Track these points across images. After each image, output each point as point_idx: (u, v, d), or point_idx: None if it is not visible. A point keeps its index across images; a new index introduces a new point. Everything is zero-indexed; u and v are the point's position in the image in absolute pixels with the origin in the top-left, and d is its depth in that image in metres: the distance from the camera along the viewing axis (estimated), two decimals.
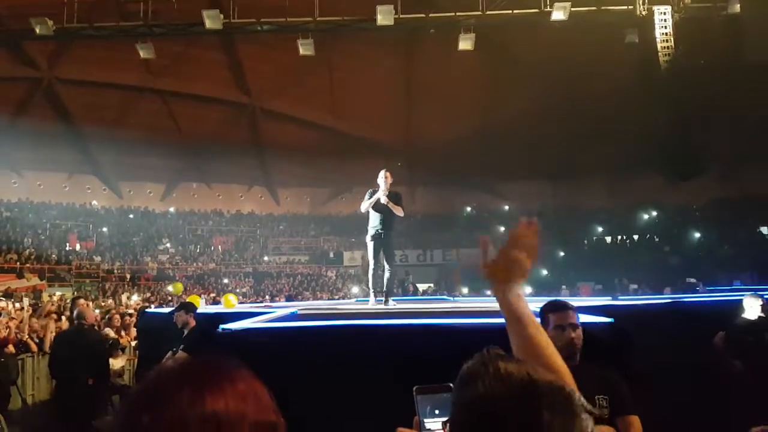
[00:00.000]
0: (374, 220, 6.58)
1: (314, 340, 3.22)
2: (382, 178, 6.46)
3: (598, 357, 2.58)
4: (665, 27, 13.46)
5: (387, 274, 6.57)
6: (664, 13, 13.53)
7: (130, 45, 14.60)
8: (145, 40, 14.29)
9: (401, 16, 13.98)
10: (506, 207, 27.51)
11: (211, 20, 13.57)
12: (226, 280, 23.64)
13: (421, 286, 22.36)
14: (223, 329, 3.34)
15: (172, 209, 28.28)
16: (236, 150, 24.95)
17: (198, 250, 26.52)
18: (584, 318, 2.73)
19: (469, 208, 28.58)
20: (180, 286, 16.47)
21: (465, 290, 18.85)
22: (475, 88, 22.16)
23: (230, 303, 7.01)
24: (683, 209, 24.20)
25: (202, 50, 21.29)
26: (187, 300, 7.54)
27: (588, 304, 4.64)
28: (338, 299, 17.69)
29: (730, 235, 20.68)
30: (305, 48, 14.23)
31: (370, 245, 6.57)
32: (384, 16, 13.70)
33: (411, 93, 23.80)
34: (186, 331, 5.08)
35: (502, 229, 27.26)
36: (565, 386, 0.77)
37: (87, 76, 21.61)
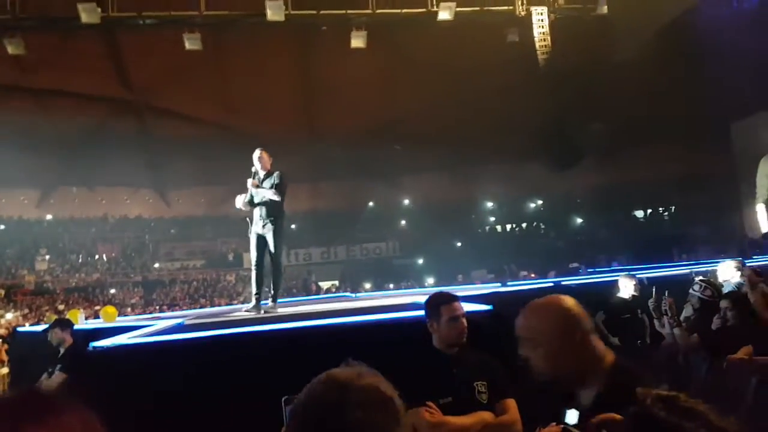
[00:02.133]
0: (253, 210, 5.83)
1: (189, 354, 3.08)
2: (256, 159, 5.80)
3: (478, 344, 2.72)
4: (542, 27, 14.31)
5: (273, 274, 5.88)
6: (541, 14, 14.38)
7: None
8: (13, 34, 13.02)
9: (292, 12, 13.80)
10: (406, 201, 28.09)
11: (87, 14, 12.62)
12: (113, 291, 22.21)
13: (325, 284, 22.31)
14: (94, 347, 3.10)
15: (49, 216, 26.09)
16: (120, 150, 23.39)
17: (80, 260, 24.69)
18: (467, 307, 2.84)
19: (371, 203, 28.90)
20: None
21: (368, 285, 19.07)
22: (372, 84, 22.36)
23: (110, 316, 6.59)
24: (566, 197, 25.94)
25: (80, 43, 19.73)
26: (66, 315, 7.00)
27: (472, 293, 4.85)
28: (238, 304, 17.21)
29: (607, 220, 22.45)
30: (192, 43, 13.65)
31: (252, 239, 5.84)
32: (274, 12, 13.45)
33: (308, 89, 23.58)
34: (62, 350, 4.72)
35: (403, 222, 27.89)
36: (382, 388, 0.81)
37: None
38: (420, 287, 15.58)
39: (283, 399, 1.06)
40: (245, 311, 5.78)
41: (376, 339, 3.07)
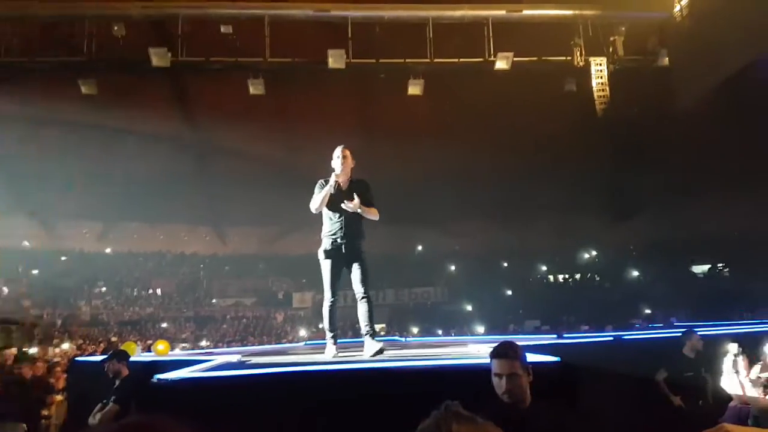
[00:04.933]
0: (330, 225, 4.55)
1: (260, 390, 3.09)
2: (338, 158, 4.55)
3: (548, 396, 2.65)
4: (601, 77, 14.27)
5: (362, 306, 4.52)
6: (600, 65, 14.37)
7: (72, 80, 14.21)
8: (88, 75, 13.93)
9: (352, 60, 14.27)
10: (456, 246, 27.91)
11: (158, 58, 13.44)
12: (165, 325, 22.71)
13: (377, 327, 22.18)
14: (158, 379, 3.15)
15: (108, 250, 27.13)
16: (180, 187, 24.35)
17: (135, 294, 25.46)
18: (533, 357, 2.79)
19: (420, 247, 28.83)
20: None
21: (415, 330, 18.85)
22: (427, 130, 22.70)
23: (162, 350, 6.70)
24: (621, 249, 25.21)
25: (149, 85, 20.92)
26: (121, 347, 7.16)
27: (536, 343, 4.76)
28: (284, 343, 17.30)
29: (664, 274, 21.62)
30: (255, 88, 14.27)
31: (326, 264, 4.51)
32: (335, 60, 13.95)
33: (366, 132, 24.12)
34: (118, 381, 4.81)
35: (453, 268, 27.64)
36: None
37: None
38: (473, 335, 15.27)
39: None
40: (332, 358, 4.48)
41: (452, 386, 3.02)
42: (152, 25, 14.89)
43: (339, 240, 4.50)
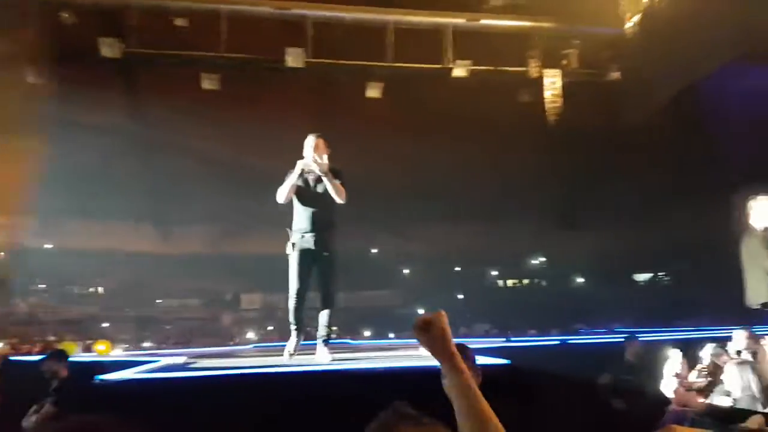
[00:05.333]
0: (299, 218, 4.37)
1: (207, 392, 2.99)
2: (310, 147, 4.41)
3: (497, 398, 2.65)
4: (554, 89, 14.66)
5: (325, 309, 4.45)
6: (554, 77, 14.76)
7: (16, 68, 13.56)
8: (32, 63, 13.31)
9: (312, 60, 14.17)
10: (410, 250, 28.10)
11: (108, 48, 13.04)
12: (106, 325, 21.94)
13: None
14: (100, 380, 3.02)
15: (49, 246, 26.00)
16: (126, 184, 23.51)
17: (76, 292, 24.51)
18: (484, 360, 2.79)
19: (374, 250, 28.86)
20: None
21: (367, 333, 18.83)
22: (383, 134, 22.72)
23: (102, 350, 6.47)
24: (568, 257, 25.90)
25: (97, 75, 20.16)
26: (60, 347, 6.86)
27: (485, 346, 4.81)
28: (232, 346, 16.97)
29: (608, 281, 22.36)
30: (209, 83, 13.99)
31: (294, 258, 4.33)
32: (294, 58, 13.82)
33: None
34: (56, 382, 4.61)
35: (406, 271, 27.80)
36: None
37: None
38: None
39: None
40: (289, 354, 4.31)
41: (403, 388, 2.99)
42: (103, 14, 14.36)
43: (309, 233, 4.32)
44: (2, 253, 24.59)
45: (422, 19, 14.61)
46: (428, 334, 1.36)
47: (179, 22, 13.27)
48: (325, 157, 4.36)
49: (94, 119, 22.44)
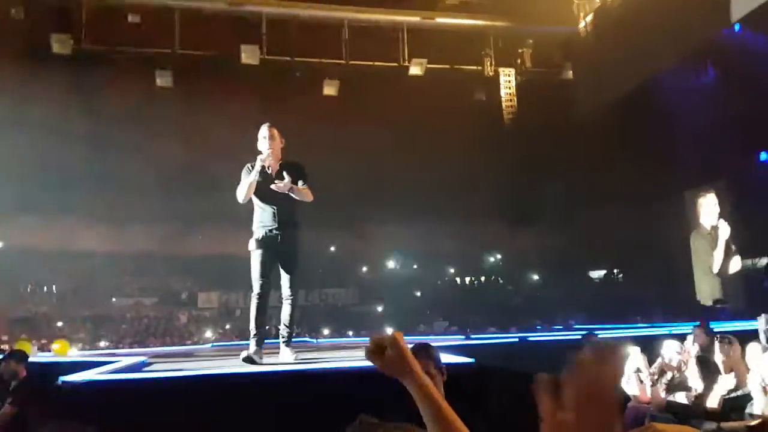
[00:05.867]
0: (262, 214, 4.18)
1: (174, 393, 2.95)
2: (265, 138, 4.21)
3: (461, 397, 2.69)
4: (509, 88, 14.93)
5: (287, 304, 4.25)
6: (509, 75, 15.03)
7: None
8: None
9: (267, 57, 13.99)
10: (367, 249, 28.12)
11: (59, 44, 12.62)
12: (60, 324, 21.23)
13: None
14: (63, 382, 2.95)
15: (0, 245, 24.97)
16: (78, 182, 22.76)
17: (29, 291, 23.62)
18: (449, 358, 2.83)
19: (332, 248, 28.74)
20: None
21: (326, 331, 18.76)
22: (339, 132, 22.64)
23: (59, 349, 6.31)
24: (523, 254, 26.40)
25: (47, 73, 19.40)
26: (16, 346, 6.65)
27: (446, 344, 4.86)
28: (190, 345, 16.66)
29: (563, 278, 22.90)
30: (163, 80, 13.64)
31: (256, 254, 4.12)
32: (248, 55, 13.62)
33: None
34: (14, 383, 4.51)
35: (364, 269, 27.83)
36: None
37: None
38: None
39: None
40: (243, 359, 3.93)
41: (368, 388, 3.00)
42: (55, 10, 13.81)
43: (273, 230, 4.12)
44: None
45: (378, 16, 14.63)
46: (384, 357, 1.20)
47: (132, 18, 12.87)
48: (287, 180, 4.06)
49: (44, 115, 21.57)
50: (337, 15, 14.38)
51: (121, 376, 3.24)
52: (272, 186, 4.03)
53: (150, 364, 4.60)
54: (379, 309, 24.95)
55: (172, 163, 24.49)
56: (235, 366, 3.77)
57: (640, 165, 14.65)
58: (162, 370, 3.94)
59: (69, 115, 21.85)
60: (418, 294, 23.96)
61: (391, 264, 26.13)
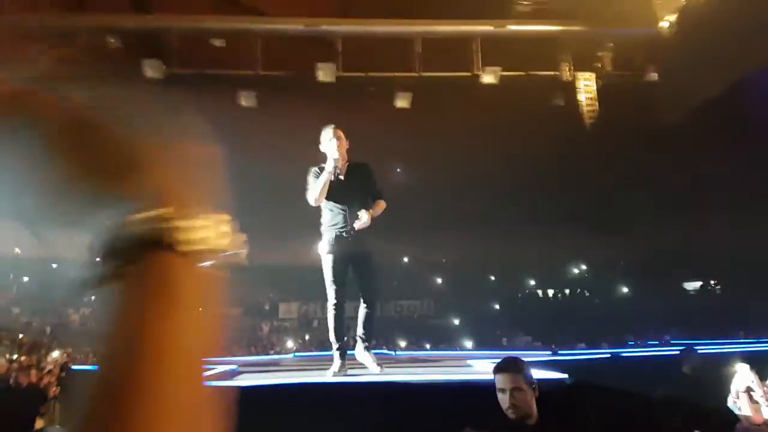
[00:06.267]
0: (331, 216, 4.04)
1: (268, 401, 3.03)
2: (332, 140, 4.04)
3: (556, 414, 2.61)
4: (589, 92, 14.44)
5: (364, 308, 4.07)
6: (588, 79, 14.55)
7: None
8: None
9: (342, 74, 14.31)
10: (443, 259, 27.89)
11: (152, 69, 13.40)
12: None
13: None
14: None
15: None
16: None
17: None
18: (541, 374, 2.75)
19: (405, 259, 28.75)
20: None
21: (403, 344, 18.75)
22: (411, 142, 22.74)
23: None
24: (609, 264, 25.30)
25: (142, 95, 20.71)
26: None
27: (532, 359, 4.71)
28: (273, 355, 17.12)
29: (654, 290, 21.67)
30: (247, 100, 14.26)
31: (328, 260, 3.98)
32: (325, 73, 13.98)
33: (349, 144, 24.02)
34: None
35: (439, 280, 27.63)
36: None
37: None
38: (463, 349, 15.17)
39: None
40: (333, 375, 3.82)
41: (459, 401, 2.97)
42: (145, 37, 14.83)
43: (343, 232, 3.95)
44: (54, 265, 25.42)
45: (451, 28, 14.58)
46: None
47: (216, 42, 13.60)
48: (366, 218, 3.92)
49: None
50: (410, 30, 14.51)
51: (218, 383, 3.34)
52: (355, 224, 3.93)
53: (240, 372, 4.75)
54: (456, 322, 24.63)
55: (256, 178, 25.40)
56: (326, 377, 3.80)
57: (735, 168, 13.73)
58: (254, 378, 4.05)
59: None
60: (497, 307, 23.41)
61: (466, 275, 25.76)
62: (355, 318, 4.18)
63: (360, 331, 4.10)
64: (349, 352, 4.20)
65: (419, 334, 22.53)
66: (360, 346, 4.09)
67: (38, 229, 25.09)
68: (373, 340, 4.19)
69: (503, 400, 2.47)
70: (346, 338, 4.20)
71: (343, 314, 4.04)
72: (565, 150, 17.57)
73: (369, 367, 4.03)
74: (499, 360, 2.68)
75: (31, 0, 15.02)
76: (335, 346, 4.04)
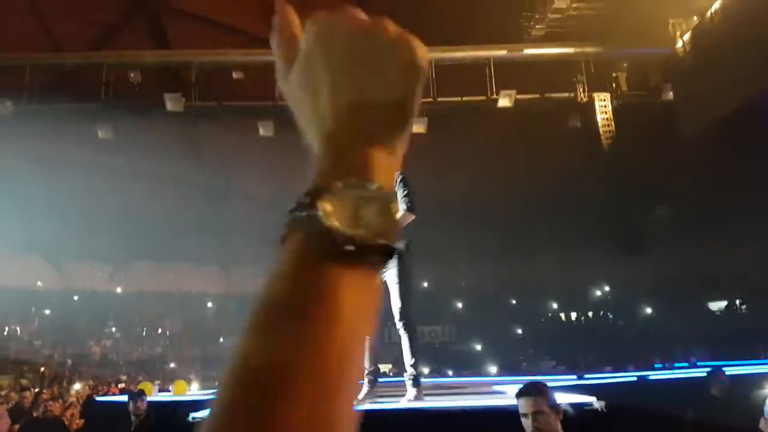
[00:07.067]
0: None
1: None
2: None
3: None
4: (606, 113, 14.42)
5: (403, 334, 3.89)
6: (604, 100, 14.55)
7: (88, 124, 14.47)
8: (104, 120, 14.17)
9: None
10: (463, 283, 27.67)
11: (173, 103, 13.70)
12: (173, 365, 22.50)
13: (381, 368, 21.81)
14: (194, 418, 3.15)
15: (119, 289, 27.15)
16: (190, 228, 24.40)
17: (144, 334, 25.36)
18: (567, 398, 2.71)
19: (425, 284, 28.56)
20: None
21: (425, 370, 18.50)
22: (427, 167, 22.68)
23: (181, 389, 6.70)
24: (631, 285, 24.88)
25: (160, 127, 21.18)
26: (138, 387, 7.18)
27: (558, 384, 4.63)
28: None
29: (679, 310, 21.24)
30: (265, 130, 14.45)
31: None
32: None
33: None
34: (137, 420, 4.88)
35: (459, 305, 27.38)
36: None
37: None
38: (486, 375, 14.93)
39: None
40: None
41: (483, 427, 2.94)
42: (166, 71, 15.22)
43: None
44: (76, 297, 25.80)
45: (465, 54, 14.71)
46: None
47: (236, 75, 13.90)
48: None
49: (161, 168, 23.56)
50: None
51: None
52: None
53: None
54: (478, 347, 24.31)
55: (276, 206, 25.53)
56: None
57: (756, 186, 13.50)
58: None
59: (180, 167, 23.72)
60: (519, 331, 23.06)
61: (487, 299, 25.50)
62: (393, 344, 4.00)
63: (406, 362, 3.91)
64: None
65: (441, 360, 22.27)
66: (407, 378, 3.91)
67: (59, 262, 25.62)
68: (420, 370, 3.96)
69: (527, 424, 2.44)
70: (376, 366, 4.00)
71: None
72: (582, 170, 17.48)
73: (407, 396, 3.86)
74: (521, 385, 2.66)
75: (57, 39, 15.66)
76: (366, 371, 3.85)
